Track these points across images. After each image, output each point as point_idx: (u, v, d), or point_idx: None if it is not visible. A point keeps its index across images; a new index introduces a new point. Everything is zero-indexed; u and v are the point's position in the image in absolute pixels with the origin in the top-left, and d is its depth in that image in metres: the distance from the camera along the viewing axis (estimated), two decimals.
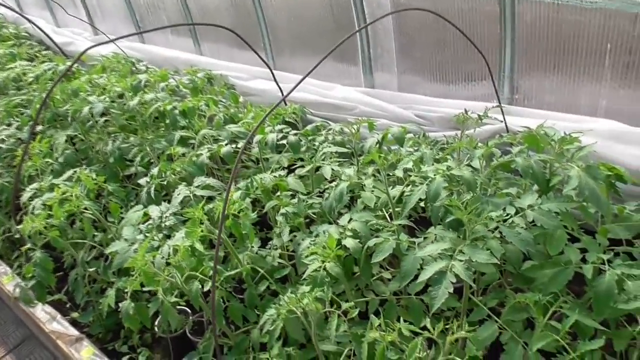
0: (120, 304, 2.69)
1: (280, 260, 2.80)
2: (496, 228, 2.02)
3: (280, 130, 3.33)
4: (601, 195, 2.00)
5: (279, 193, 2.96)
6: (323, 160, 3.10)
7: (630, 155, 2.83)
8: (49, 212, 3.04)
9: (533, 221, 2.07)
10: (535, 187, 2.26)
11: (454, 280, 1.88)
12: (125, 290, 2.55)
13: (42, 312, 3.45)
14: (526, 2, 3.15)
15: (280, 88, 4.30)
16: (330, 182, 2.88)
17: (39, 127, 4.46)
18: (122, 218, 3.17)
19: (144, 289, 2.53)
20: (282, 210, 2.76)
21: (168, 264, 2.52)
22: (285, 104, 4.02)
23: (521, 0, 3.16)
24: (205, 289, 2.47)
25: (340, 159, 3.22)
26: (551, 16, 3.11)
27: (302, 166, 3.16)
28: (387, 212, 2.62)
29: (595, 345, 1.77)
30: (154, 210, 2.99)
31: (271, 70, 4.28)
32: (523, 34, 3.32)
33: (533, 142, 2.33)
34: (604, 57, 3.02)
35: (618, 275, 1.86)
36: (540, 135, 2.29)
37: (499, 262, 1.93)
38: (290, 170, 3.25)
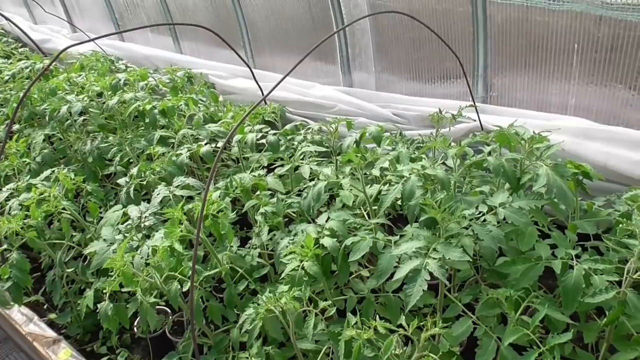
0: (98, 305, 2.68)
1: (260, 260, 2.83)
2: (469, 226, 2.07)
3: (260, 130, 3.35)
4: (568, 192, 2.07)
5: (258, 192, 2.99)
6: (302, 159, 3.13)
7: (598, 152, 2.91)
8: (26, 212, 3.02)
9: (505, 218, 2.13)
10: (507, 185, 2.32)
11: (428, 278, 1.92)
12: (104, 291, 2.56)
13: (18, 314, 3.41)
14: (497, 4, 3.22)
15: (260, 87, 4.32)
16: (310, 181, 2.91)
17: (16, 126, 4.43)
18: (101, 218, 3.16)
19: (123, 289, 2.54)
20: (261, 210, 2.79)
21: (147, 264, 2.53)
22: (266, 103, 4.04)
23: (492, 1, 3.22)
24: (185, 289, 2.49)
25: (320, 158, 3.26)
26: (521, 17, 3.18)
27: (282, 165, 3.19)
28: (365, 211, 2.66)
29: (564, 339, 1.83)
30: (133, 211, 3.00)
31: (250, 69, 4.30)
32: (495, 34, 3.39)
33: (505, 140, 2.39)
34: (572, 57, 3.10)
35: (585, 270, 1.92)
36: (511, 134, 2.35)
37: (471, 259, 1.98)
38: (270, 169, 3.28)
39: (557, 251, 2.10)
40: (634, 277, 1.83)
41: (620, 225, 1.94)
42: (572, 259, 1.99)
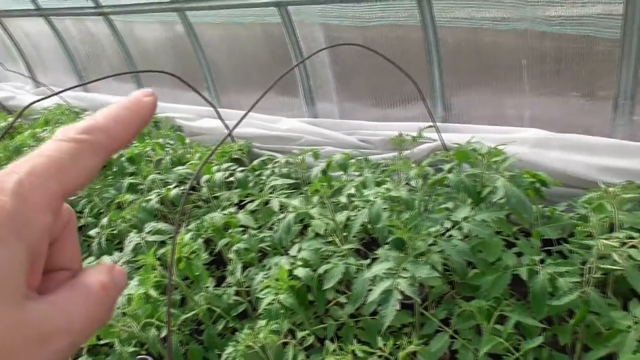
0: None
1: (237, 297, 2.83)
2: (435, 242, 2.13)
3: (227, 168, 3.38)
4: (526, 201, 2.14)
5: (230, 230, 3.00)
6: (271, 193, 3.17)
7: (556, 160, 3.01)
8: None
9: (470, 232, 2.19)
10: (470, 199, 2.39)
11: (400, 297, 1.96)
12: (81, 346, 2.52)
13: None
14: (446, 28, 3.35)
15: (226, 125, 4.36)
16: (281, 213, 2.95)
17: None
18: None
19: (101, 341, 2.51)
20: (234, 247, 2.81)
21: (124, 313, 2.52)
22: (233, 141, 4.09)
23: (441, 26, 3.36)
24: (163, 334, 2.48)
25: (290, 190, 3.30)
26: (470, 38, 3.32)
27: (252, 201, 3.22)
28: (337, 238, 2.70)
29: (536, 343, 1.87)
30: (106, 261, 2.99)
31: (215, 109, 4.34)
32: (448, 55, 3.52)
33: (463, 157, 2.47)
34: (521, 71, 3.23)
35: (550, 274, 1.98)
36: (469, 150, 2.43)
37: (440, 275, 2.03)
38: (241, 206, 3.30)
39: (523, 258, 2.16)
40: (595, 276, 1.89)
41: (578, 228, 2.01)
42: (537, 265, 2.05)
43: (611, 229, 2.13)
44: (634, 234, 1.90)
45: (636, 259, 1.80)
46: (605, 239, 1.87)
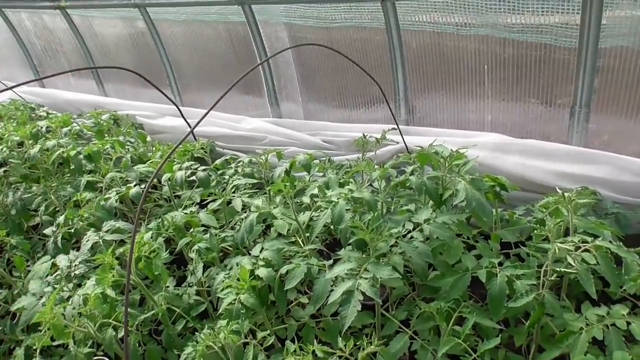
0: None
1: (197, 297, 2.79)
2: (397, 244, 2.14)
3: (189, 167, 3.33)
4: (486, 204, 2.18)
5: (192, 229, 2.96)
6: (234, 192, 3.14)
7: (515, 164, 3.08)
8: None
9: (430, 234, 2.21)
10: (432, 202, 2.42)
11: (361, 298, 1.97)
12: (34, 348, 2.44)
13: None
14: (410, 31, 3.39)
15: (188, 123, 4.30)
16: (243, 213, 2.92)
17: None
18: (29, 272, 3.03)
19: (55, 343, 2.43)
20: (195, 247, 2.77)
21: (80, 314, 2.45)
22: (195, 139, 4.03)
23: (405, 29, 3.39)
24: (120, 335, 2.42)
25: (253, 190, 3.28)
26: (433, 42, 3.36)
27: (214, 200, 3.18)
28: (300, 238, 2.69)
29: (492, 344, 1.91)
30: (62, 260, 2.90)
31: (177, 107, 4.27)
32: (412, 59, 3.56)
33: (425, 160, 2.50)
34: (483, 76, 3.29)
35: (507, 276, 2.02)
36: (431, 153, 2.46)
37: (401, 276, 2.04)
38: (203, 205, 3.26)
39: (482, 261, 2.20)
40: (551, 279, 1.94)
41: (536, 232, 2.06)
42: (496, 268, 2.09)
43: (566, 233, 2.19)
44: (588, 238, 1.96)
45: (589, 263, 1.85)
46: (561, 242, 1.92)
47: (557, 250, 1.89)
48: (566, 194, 2.12)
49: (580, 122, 2.99)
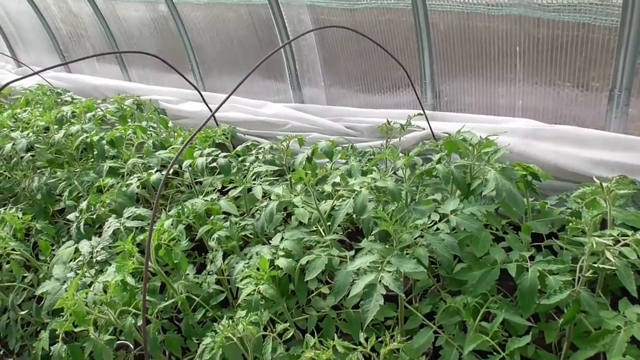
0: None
1: (217, 286, 2.75)
2: (422, 236, 2.05)
3: (210, 153, 3.28)
4: (517, 194, 2.07)
5: (212, 217, 2.91)
6: (254, 180, 3.08)
7: (548, 151, 2.94)
8: None
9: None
10: (459, 191, 2.31)
11: (384, 292, 1.88)
12: (57, 332, 2.44)
13: None
14: (438, 12, 3.25)
15: (210, 108, 4.25)
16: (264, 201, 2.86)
17: None
18: (54, 256, 3.04)
19: (78, 328, 2.43)
20: (215, 235, 2.72)
21: (102, 302, 2.43)
22: (217, 125, 3.98)
23: (433, 10, 3.25)
24: (140, 323, 2.39)
25: (274, 177, 3.21)
26: (462, 24, 3.22)
27: (235, 187, 3.12)
28: (320, 227, 2.62)
29: (523, 343, 1.81)
30: (84, 246, 2.89)
31: (199, 92, 4.23)
32: (439, 41, 3.43)
33: (453, 147, 2.39)
34: (515, 59, 3.14)
35: (539, 271, 1.91)
36: (458, 140, 2.34)
37: (426, 269, 1.95)
38: (224, 192, 3.21)
39: (512, 254, 2.09)
40: (587, 275, 1.83)
41: (571, 224, 1.94)
42: (527, 261, 1.99)
43: (603, 225, 2.06)
44: (627, 232, 1.84)
45: (629, 258, 1.73)
46: (599, 236, 1.80)
47: (594, 245, 1.77)
48: (604, 184, 1.99)
49: (619, 106, 2.83)
